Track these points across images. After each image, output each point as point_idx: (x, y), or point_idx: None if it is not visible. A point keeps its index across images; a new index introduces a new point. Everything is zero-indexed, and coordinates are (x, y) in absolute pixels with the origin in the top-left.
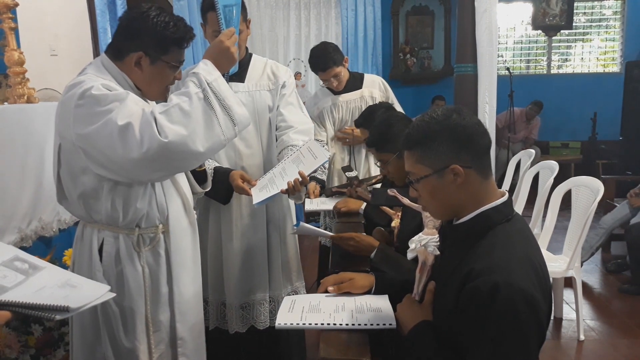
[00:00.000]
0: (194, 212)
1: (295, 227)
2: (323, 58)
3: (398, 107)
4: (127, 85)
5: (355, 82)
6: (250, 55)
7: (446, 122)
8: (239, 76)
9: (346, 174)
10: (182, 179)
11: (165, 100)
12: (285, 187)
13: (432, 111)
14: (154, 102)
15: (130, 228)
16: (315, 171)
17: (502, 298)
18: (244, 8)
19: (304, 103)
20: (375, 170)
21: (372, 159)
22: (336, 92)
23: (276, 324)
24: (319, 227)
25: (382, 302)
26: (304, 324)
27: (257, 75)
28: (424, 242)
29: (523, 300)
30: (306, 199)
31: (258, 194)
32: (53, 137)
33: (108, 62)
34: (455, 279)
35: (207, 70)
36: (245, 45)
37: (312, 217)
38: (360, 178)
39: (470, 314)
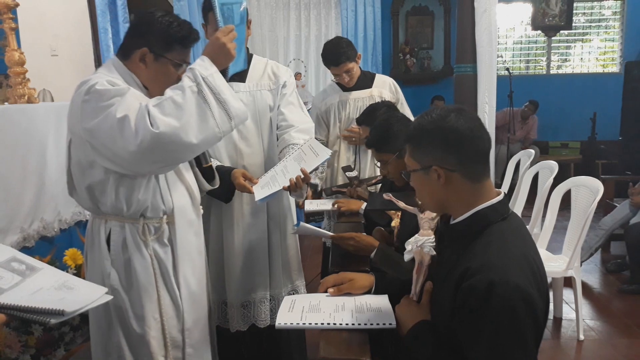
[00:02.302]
0: (201, 207)
1: (295, 227)
2: (336, 52)
3: (407, 109)
4: (134, 83)
5: (366, 80)
6: (251, 55)
7: (439, 123)
8: (240, 76)
9: (346, 173)
10: (188, 173)
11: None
12: (287, 184)
13: (434, 109)
14: None
15: (134, 218)
16: (317, 169)
17: (498, 295)
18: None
19: (305, 103)
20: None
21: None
22: (345, 89)
23: (276, 324)
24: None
25: (381, 302)
26: (304, 323)
27: (257, 75)
28: (420, 243)
29: (519, 297)
30: (306, 200)
31: (260, 191)
32: (54, 136)
33: (117, 63)
34: (452, 278)
35: (203, 66)
36: (247, 46)
37: (312, 217)
38: (367, 177)
39: (467, 312)
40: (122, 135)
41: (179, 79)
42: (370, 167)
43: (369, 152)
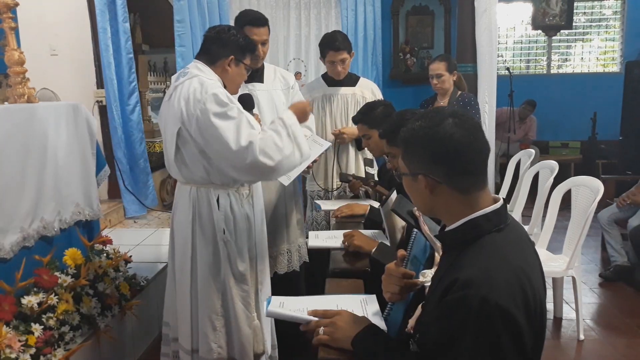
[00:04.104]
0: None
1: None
2: (339, 39)
3: None
4: (220, 83)
5: (351, 79)
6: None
7: (432, 130)
8: (258, 78)
9: (366, 167)
10: None
11: (236, 93)
12: (305, 167)
13: (433, 111)
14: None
15: (236, 187)
16: (322, 153)
17: (477, 314)
18: (268, 25)
19: None
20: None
21: (361, 159)
22: (330, 84)
23: (266, 312)
24: (319, 206)
25: (371, 308)
26: (293, 315)
27: (271, 78)
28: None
29: (499, 316)
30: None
31: (283, 177)
32: (53, 136)
33: (204, 67)
34: (440, 287)
35: (289, 117)
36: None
37: (314, 197)
38: (353, 175)
39: (446, 326)
40: (234, 154)
41: (244, 79)
42: (356, 165)
43: (350, 150)
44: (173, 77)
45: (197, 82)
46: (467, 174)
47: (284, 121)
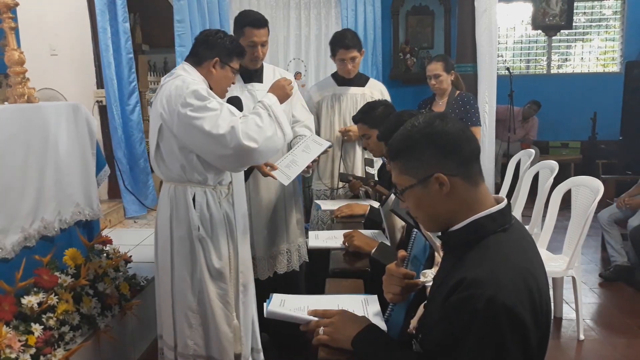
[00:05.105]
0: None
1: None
2: (349, 36)
3: None
4: (206, 84)
5: (361, 79)
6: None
7: (427, 130)
8: (258, 78)
9: (366, 167)
10: None
11: (224, 96)
12: (303, 168)
13: (415, 119)
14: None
15: (214, 185)
16: (322, 153)
17: (483, 314)
18: (268, 26)
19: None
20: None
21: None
22: (340, 84)
23: (266, 313)
24: (319, 206)
25: (372, 308)
26: (292, 315)
27: (270, 78)
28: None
29: (505, 317)
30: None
31: (283, 177)
32: (54, 136)
33: (191, 68)
34: (444, 288)
35: (269, 98)
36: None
37: (318, 196)
38: (353, 175)
39: (450, 326)
40: (218, 142)
41: (232, 82)
42: (361, 163)
43: (357, 150)
44: (162, 79)
45: (180, 81)
46: (473, 161)
47: (264, 103)
